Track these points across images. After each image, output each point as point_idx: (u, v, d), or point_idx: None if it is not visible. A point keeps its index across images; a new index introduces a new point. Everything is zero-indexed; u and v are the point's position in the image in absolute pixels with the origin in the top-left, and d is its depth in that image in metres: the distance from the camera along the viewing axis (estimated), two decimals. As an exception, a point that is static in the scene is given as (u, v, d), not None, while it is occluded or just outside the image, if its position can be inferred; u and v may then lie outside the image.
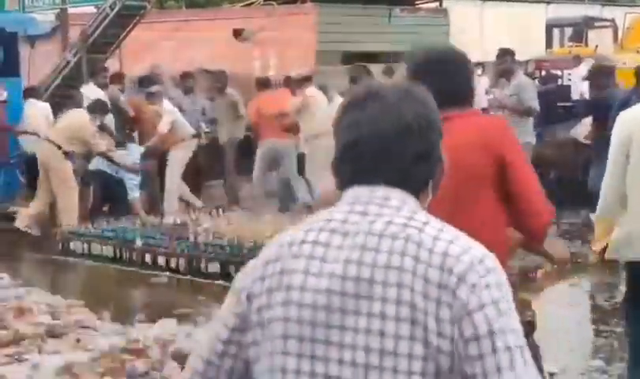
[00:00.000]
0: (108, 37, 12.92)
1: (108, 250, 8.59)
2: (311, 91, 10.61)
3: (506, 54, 9.92)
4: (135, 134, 11.10)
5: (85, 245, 8.81)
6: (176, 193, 10.47)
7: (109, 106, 10.38)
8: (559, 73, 16.94)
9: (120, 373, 4.76)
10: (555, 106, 17.00)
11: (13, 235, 10.14)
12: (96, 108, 9.91)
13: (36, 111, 10.72)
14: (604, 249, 4.35)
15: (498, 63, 10.01)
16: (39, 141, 9.95)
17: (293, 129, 10.52)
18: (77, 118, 9.74)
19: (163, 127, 10.29)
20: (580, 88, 14.88)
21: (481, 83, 11.03)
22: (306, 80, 10.94)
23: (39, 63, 14.12)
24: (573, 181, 9.72)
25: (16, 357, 5.23)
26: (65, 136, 9.53)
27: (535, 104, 9.27)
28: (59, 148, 9.47)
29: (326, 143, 10.45)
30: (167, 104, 10.54)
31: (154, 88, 10.75)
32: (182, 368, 4.89)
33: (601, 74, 8.97)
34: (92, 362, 4.93)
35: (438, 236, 1.58)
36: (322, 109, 10.37)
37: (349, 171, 1.68)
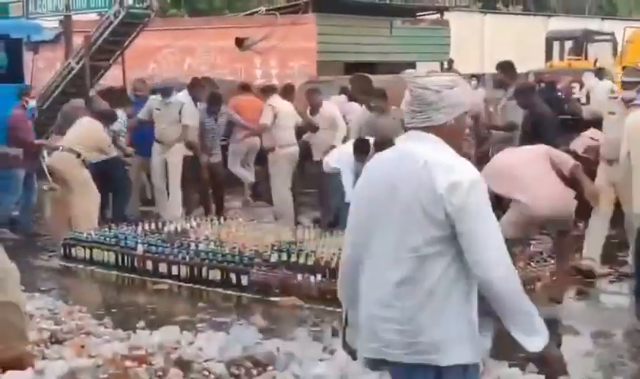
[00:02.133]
0: (111, 44, 13.00)
1: (110, 257, 8.62)
2: (274, 101, 10.68)
3: (501, 66, 9.95)
4: None
5: (87, 252, 8.84)
6: (179, 197, 10.51)
7: (117, 116, 10.45)
8: (558, 85, 16.96)
9: (123, 380, 4.79)
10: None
11: (16, 241, 10.18)
12: (107, 116, 10.08)
13: None
14: None
15: (497, 75, 10.08)
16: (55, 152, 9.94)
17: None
18: (92, 126, 9.85)
19: (186, 120, 10.37)
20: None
21: (477, 95, 11.03)
22: (270, 89, 11.05)
23: (42, 69, 14.20)
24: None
25: (19, 362, 5.27)
26: (84, 144, 9.62)
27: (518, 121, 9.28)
28: (78, 155, 9.55)
29: (287, 152, 10.49)
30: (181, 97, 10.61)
31: (162, 84, 10.92)
32: (185, 375, 4.95)
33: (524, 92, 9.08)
34: (96, 368, 4.96)
35: None
36: (287, 119, 10.42)
37: None
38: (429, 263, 2.81)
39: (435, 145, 2.88)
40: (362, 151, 8.90)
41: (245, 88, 12.48)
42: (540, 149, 7.16)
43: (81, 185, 9.55)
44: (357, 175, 9.78)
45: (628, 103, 7.70)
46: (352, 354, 3.11)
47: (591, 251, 7.83)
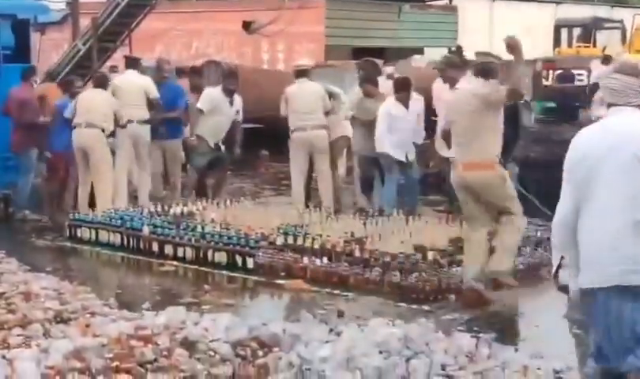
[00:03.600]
0: (119, 26, 12.95)
1: (115, 238, 8.62)
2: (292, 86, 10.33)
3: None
4: None
5: (93, 233, 8.84)
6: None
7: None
8: (574, 72, 16.92)
9: (128, 359, 4.78)
10: (571, 107, 16.93)
11: (22, 221, 10.19)
12: (103, 83, 10.05)
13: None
14: None
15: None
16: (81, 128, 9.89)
17: None
18: (103, 96, 9.83)
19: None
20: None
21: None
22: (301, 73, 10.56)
23: (49, 50, 14.17)
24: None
25: (23, 341, 5.27)
26: (103, 116, 9.62)
27: None
28: (103, 131, 9.55)
29: (295, 137, 10.09)
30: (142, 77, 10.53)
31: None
32: (190, 355, 4.94)
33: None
34: (101, 347, 4.95)
35: None
36: (297, 101, 9.92)
37: None
38: None
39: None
40: (401, 89, 9.45)
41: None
42: None
43: (103, 163, 9.55)
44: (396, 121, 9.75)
45: None
46: (564, 289, 3.80)
47: None
